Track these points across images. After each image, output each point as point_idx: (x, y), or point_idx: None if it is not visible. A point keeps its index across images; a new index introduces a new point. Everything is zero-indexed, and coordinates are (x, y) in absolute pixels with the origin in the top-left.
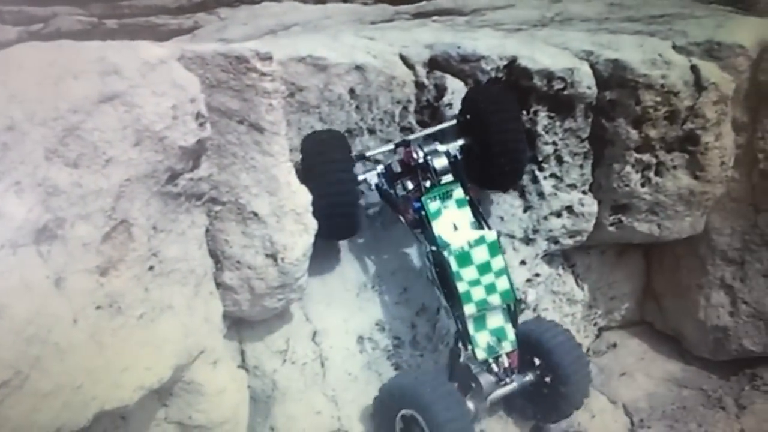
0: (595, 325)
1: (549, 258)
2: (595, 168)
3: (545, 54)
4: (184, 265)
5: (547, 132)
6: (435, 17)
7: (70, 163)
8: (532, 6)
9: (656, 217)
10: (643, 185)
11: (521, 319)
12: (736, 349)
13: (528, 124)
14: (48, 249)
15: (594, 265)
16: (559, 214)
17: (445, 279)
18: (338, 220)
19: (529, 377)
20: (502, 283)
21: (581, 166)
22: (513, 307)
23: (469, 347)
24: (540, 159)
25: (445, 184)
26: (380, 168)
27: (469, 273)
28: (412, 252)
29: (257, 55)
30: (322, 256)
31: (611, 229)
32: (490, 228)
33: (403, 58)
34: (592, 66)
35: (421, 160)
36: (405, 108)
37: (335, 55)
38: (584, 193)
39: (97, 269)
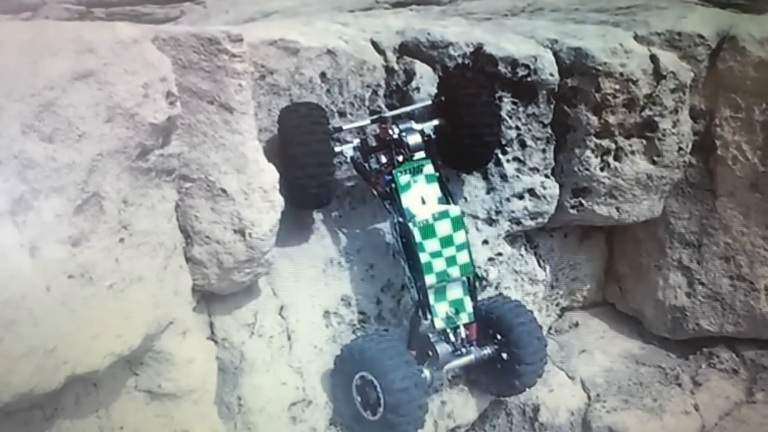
0: (557, 305)
1: (511, 238)
2: (557, 152)
3: (510, 42)
4: (153, 238)
5: (510, 117)
6: (413, 7)
7: (45, 138)
8: None
9: (615, 201)
10: (602, 169)
11: (487, 295)
12: (693, 329)
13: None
14: (23, 219)
15: (556, 246)
16: (521, 197)
17: (409, 250)
18: (315, 190)
19: (487, 351)
20: (463, 257)
21: (543, 151)
22: (472, 280)
23: (429, 316)
24: (503, 143)
25: (417, 159)
26: (356, 142)
27: (431, 245)
28: (379, 230)
29: (228, 36)
30: (290, 232)
31: (572, 211)
32: (456, 204)
33: (374, 44)
34: (555, 54)
35: (395, 136)
36: (375, 92)
37: (307, 39)
38: (546, 176)
39: (69, 240)
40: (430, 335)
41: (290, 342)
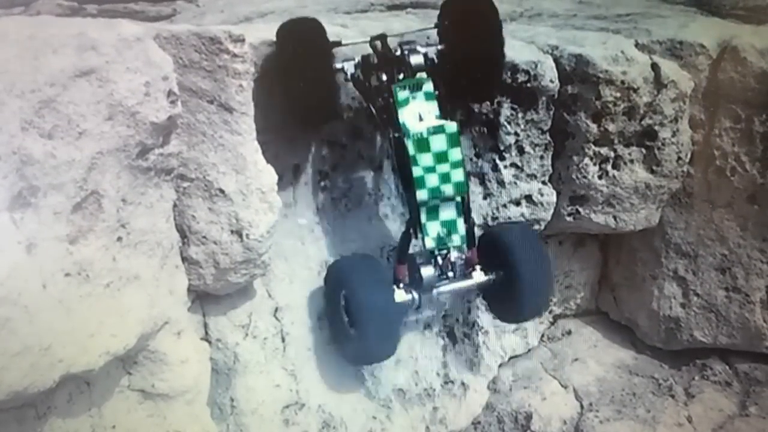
0: (550, 312)
1: None
2: (555, 159)
3: (511, 47)
4: (151, 238)
5: (509, 123)
6: (409, 9)
7: (45, 135)
8: (503, 1)
9: (612, 209)
10: (600, 177)
11: None
12: (687, 340)
13: (491, 115)
14: (21, 216)
15: (551, 254)
16: (518, 203)
17: (404, 166)
18: (317, 105)
19: (490, 277)
20: (457, 175)
21: (542, 157)
22: (466, 201)
23: (420, 235)
24: (501, 149)
25: (417, 77)
26: (357, 59)
27: (425, 159)
28: (374, 233)
29: (230, 36)
30: (286, 234)
31: (569, 219)
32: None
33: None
34: (555, 60)
35: (398, 53)
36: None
37: None
38: (544, 183)
39: (67, 237)
40: (417, 257)
41: (284, 344)
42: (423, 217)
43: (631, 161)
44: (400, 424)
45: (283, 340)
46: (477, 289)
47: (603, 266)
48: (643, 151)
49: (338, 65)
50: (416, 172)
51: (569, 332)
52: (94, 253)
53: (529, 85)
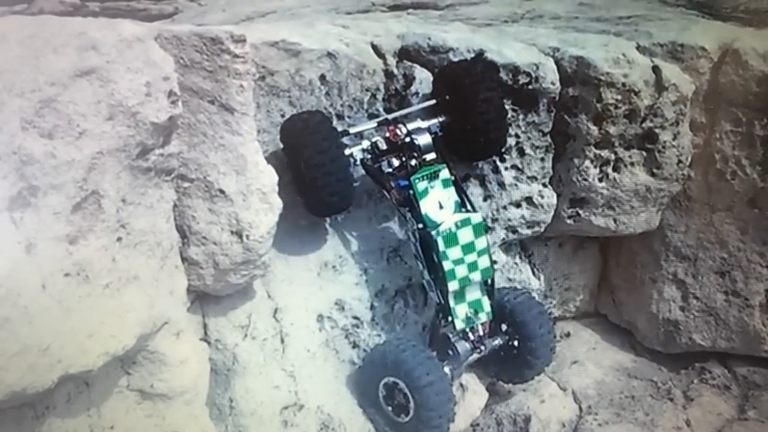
0: (549, 314)
1: (506, 246)
2: (556, 161)
3: (512, 49)
4: (151, 238)
5: (510, 125)
6: (410, 10)
7: (45, 134)
8: (504, 3)
9: (612, 212)
10: (600, 180)
11: None
12: (686, 343)
13: None
14: (20, 216)
15: (551, 256)
16: (518, 205)
17: (429, 256)
18: (334, 194)
19: (498, 342)
20: (484, 262)
21: (542, 159)
22: (491, 281)
23: (450, 318)
24: (502, 150)
25: (431, 164)
26: (366, 143)
27: (454, 252)
28: (374, 234)
29: (231, 37)
30: (286, 235)
31: (569, 221)
32: (474, 208)
33: (375, 47)
34: (557, 62)
35: (406, 139)
36: (374, 95)
37: (308, 42)
38: (544, 185)
39: (66, 238)
40: (450, 335)
41: (283, 345)
42: (452, 302)
43: (632, 164)
44: None
45: (282, 341)
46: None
47: (602, 269)
48: (644, 153)
49: (347, 151)
50: (447, 266)
51: (568, 334)
52: (94, 254)
53: (530, 87)
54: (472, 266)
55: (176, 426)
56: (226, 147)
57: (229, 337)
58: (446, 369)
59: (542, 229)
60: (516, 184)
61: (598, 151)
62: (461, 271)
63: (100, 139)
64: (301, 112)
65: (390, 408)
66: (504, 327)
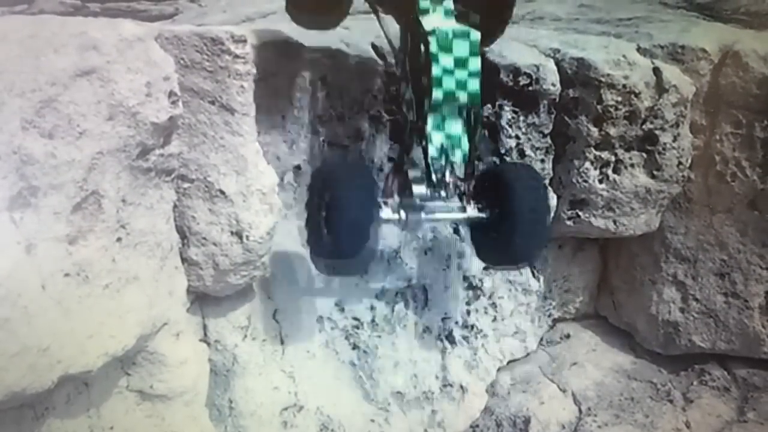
0: (549, 316)
1: None
2: (556, 163)
3: (513, 50)
4: (151, 239)
5: (510, 126)
6: None
7: (45, 134)
8: None
9: (612, 214)
10: (601, 182)
11: None
12: (686, 345)
13: (492, 118)
14: (20, 216)
15: (551, 258)
16: None
17: (416, 68)
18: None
19: (483, 214)
20: (473, 84)
21: (542, 161)
22: (476, 117)
23: (423, 142)
24: (502, 152)
25: None
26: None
27: (445, 60)
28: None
29: (232, 37)
30: (285, 236)
31: (569, 223)
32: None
33: (375, 48)
34: (557, 63)
35: None
36: (374, 97)
37: (309, 42)
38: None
39: (66, 238)
40: (410, 172)
41: (283, 346)
42: (429, 125)
43: (632, 165)
44: (399, 427)
45: (282, 342)
46: (468, 224)
47: (602, 270)
48: (644, 155)
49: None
50: (435, 70)
51: (568, 336)
52: (94, 254)
53: (530, 88)
54: (461, 83)
55: (176, 427)
56: (226, 147)
57: (229, 337)
58: (389, 212)
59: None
60: None
61: (598, 153)
62: (448, 82)
63: (100, 139)
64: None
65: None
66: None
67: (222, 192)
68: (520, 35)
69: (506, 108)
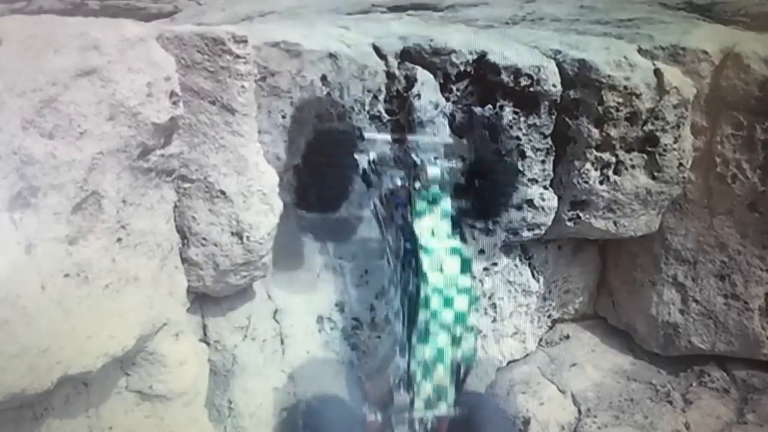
0: (549, 316)
1: (507, 249)
2: (557, 164)
3: (514, 51)
4: (151, 239)
5: (511, 127)
6: (410, 11)
7: (46, 134)
8: (504, 4)
9: (613, 215)
10: (601, 183)
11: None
12: (685, 346)
13: (493, 119)
14: (20, 216)
15: (551, 259)
16: (519, 207)
17: (406, 271)
18: (330, 192)
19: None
20: (461, 303)
21: (543, 162)
22: (464, 372)
23: (411, 393)
24: (503, 153)
25: (434, 191)
26: (373, 154)
27: (435, 278)
28: (374, 236)
29: (233, 37)
30: (286, 236)
31: (569, 224)
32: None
33: (376, 49)
34: (558, 65)
35: (417, 161)
36: (375, 97)
37: (309, 42)
38: (545, 188)
39: (66, 238)
40: (393, 416)
41: (283, 346)
42: (418, 375)
43: (633, 167)
44: None
45: (282, 342)
46: None
47: (602, 271)
48: (645, 156)
49: (355, 156)
50: (424, 290)
51: (567, 337)
52: (94, 254)
53: (531, 89)
54: (448, 301)
55: (175, 427)
56: (227, 148)
57: (229, 338)
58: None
59: (543, 232)
60: (517, 187)
61: (599, 154)
62: (435, 302)
63: (100, 139)
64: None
65: None
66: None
67: (222, 192)
68: (520, 36)
69: (507, 109)
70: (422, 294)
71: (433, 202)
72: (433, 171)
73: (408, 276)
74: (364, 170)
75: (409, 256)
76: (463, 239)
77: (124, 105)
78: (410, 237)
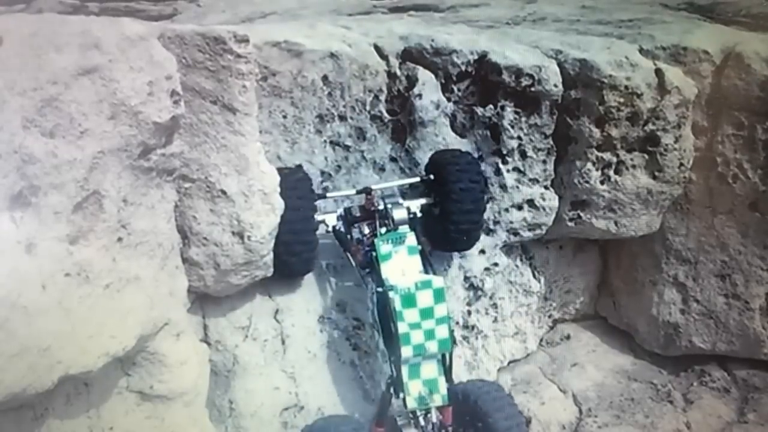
0: (549, 316)
1: (508, 249)
2: (558, 164)
3: (515, 51)
4: (152, 239)
5: (512, 127)
6: (411, 12)
7: (46, 133)
8: (506, 5)
9: (614, 215)
10: (602, 183)
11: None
12: (686, 346)
13: (494, 119)
14: (21, 215)
15: (551, 259)
16: (520, 207)
17: (386, 321)
18: (294, 258)
19: None
20: (442, 332)
21: (544, 162)
22: (449, 359)
23: (401, 394)
24: (504, 152)
25: (398, 232)
26: (340, 210)
27: (411, 315)
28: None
29: (234, 36)
30: None
31: (570, 224)
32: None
33: (377, 49)
34: (560, 65)
35: (381, 207)
36: (376, 97)
37: (311, 42)
38: (546, 188)
39: (67, 238)
40: (398, 419)
41: (284, 346)
42: (405, 376)
43: (634, 167)
44: None
45: (282, 342)
46: None
47: (603, 271)
48: (646, 156)
49: (319, 217)
50: (402, 328)
51: (568, 337)
52: (94, 254)
53: (532, 89)
54: (429, 334)
55: (176, 427)
56: (227, 147)
57: (230, 338)
58: None
59: (543, 232)
60: (518, 187)
61: (599, 154)
62: (417, 337)
63: (101, 138)
64: (286, 168)
65: None
66: (471, 423)
67: (223, 192)
68: (521, 36)
69: (508, 109)
70: (401, 330)
71: (399, 242)
72: (399, 213)
73: (385, 317)
74: (334, 227)
75: (383, 298)
76: (433, 270)
77: (125, 104)
78: (380, 282)
